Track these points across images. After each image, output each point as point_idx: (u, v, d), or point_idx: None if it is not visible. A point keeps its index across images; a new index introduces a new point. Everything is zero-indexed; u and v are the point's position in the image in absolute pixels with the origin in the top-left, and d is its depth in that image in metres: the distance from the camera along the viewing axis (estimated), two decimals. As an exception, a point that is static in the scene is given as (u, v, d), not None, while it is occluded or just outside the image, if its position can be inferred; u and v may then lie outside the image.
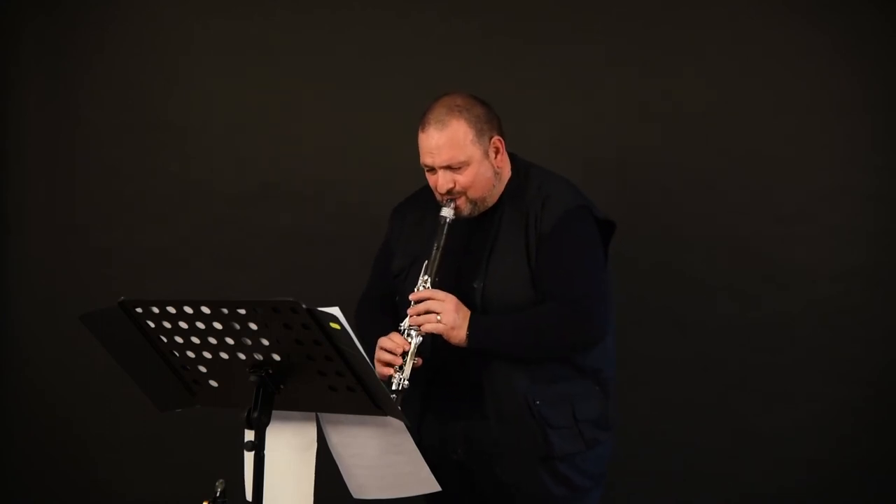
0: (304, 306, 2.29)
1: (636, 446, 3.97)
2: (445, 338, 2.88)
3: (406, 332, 2.88)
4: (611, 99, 4.17)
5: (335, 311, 2.30)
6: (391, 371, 2.84)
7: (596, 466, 3.02)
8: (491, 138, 2.99)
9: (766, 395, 4.07)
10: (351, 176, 4.36)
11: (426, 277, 2.92)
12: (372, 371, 2.41)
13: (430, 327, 2.86)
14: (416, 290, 2.92)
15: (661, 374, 4.11)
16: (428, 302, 2.87)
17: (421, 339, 2.86)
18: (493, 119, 3.01)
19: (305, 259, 4.38)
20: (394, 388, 2.79)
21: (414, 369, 2.84)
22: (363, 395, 2.43)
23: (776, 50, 4.08)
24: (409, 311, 2.89)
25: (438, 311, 2.86)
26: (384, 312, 3.11)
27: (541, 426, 2.91)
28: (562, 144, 4.10)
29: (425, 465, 2.59)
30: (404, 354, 2.84)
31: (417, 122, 3.00)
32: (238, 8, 4.47)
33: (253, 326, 2.37)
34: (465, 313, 2.89)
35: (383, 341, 2.88)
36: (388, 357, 2.85)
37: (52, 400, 4.58)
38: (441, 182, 2.95)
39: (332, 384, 2.43)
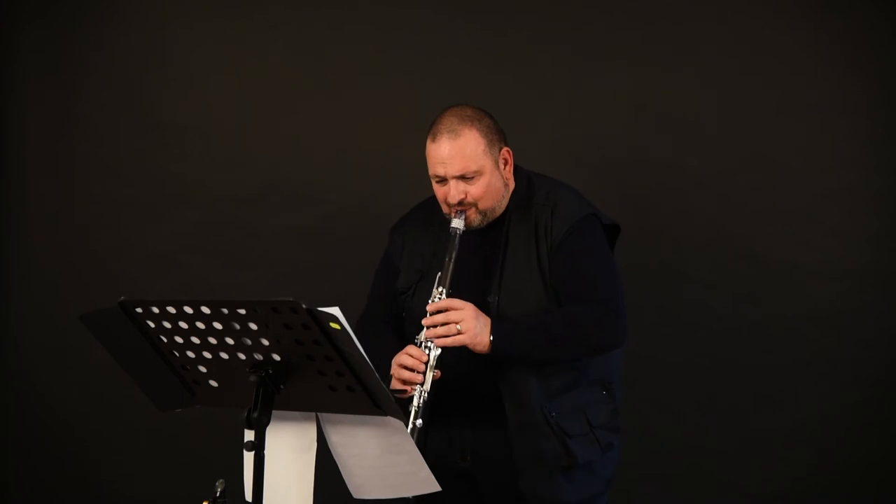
0: (304, 306, 2.28)
1: (636, 446, 3.96)
2: (469, 347, 2.83)
3: (423, 344, 2.84)
4: (610, 99, 4.17)
5: (335, 311, 2.29)
6: (410, 389, 2.81)
7: (609, 470, 3.03)
8: (500, 149, 2.98)
9: (766, 395, 4.06)
10: (351, 176, 4.35)
11: (440, 289, 2.87)
12: (372, 371, 2.40)
13: (450, 341, 2.81)
14: (430, 301, 2.88)
15: (661, 374, 4.11)
16: (447, 313, 2.83)
17: (440, 350, 2.83)
18: (501, 131, 3.01)
19: (305, 259, 4.37)
20: (415, 402, 2.78)
21: (434, 382, 2.82)
22: (363, 395, 2.42)
23: (776, 50, 4.07)
24: (426, 322, 2.85)
25: (458, 321, 2.81)
26: (388, 330, 3.08)
27: (559, 437, 2.89)
28: (561, 144, 4.10)
29: (425, 465, 2.58)
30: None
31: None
32: (238, 8, 4.46)
33: (253, 326, 2.36)
34: (486, 320, 2.85)
35: (402, 358, 2.85)
36: (407, 375, 2.82)
37: (52, 400, 4.58)
38: (453, 192, 2.92)
39: (332, 384, 2.42)
